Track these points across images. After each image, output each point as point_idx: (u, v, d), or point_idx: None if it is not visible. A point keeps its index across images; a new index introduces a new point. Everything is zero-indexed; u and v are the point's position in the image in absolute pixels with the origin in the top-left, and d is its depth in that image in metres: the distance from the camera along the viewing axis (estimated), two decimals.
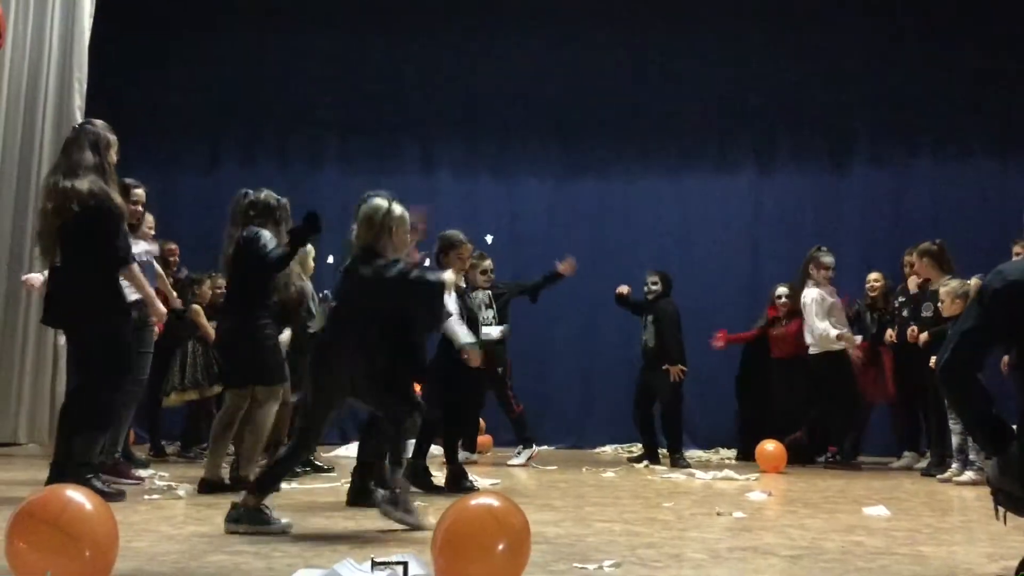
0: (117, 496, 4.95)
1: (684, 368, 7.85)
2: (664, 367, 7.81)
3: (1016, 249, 7.13)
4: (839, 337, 7.60)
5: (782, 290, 8.45)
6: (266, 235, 5.38)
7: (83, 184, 4.83)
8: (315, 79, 9.89)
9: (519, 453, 7.70)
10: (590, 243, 9.61)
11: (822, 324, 7.62)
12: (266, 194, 5.64)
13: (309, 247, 6.63)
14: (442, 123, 9.96)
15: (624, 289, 8.13)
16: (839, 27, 9.64)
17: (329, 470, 6.74)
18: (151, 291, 5.58)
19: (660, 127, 9.78)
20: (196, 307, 7.61)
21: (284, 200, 5.70)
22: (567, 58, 9.83)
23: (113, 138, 5.16)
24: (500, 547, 2.77)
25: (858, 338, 7.93)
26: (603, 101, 9.78)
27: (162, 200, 8.40)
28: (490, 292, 7.64)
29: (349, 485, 5.21)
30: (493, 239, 9.34)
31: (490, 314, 7.60)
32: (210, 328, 7.56)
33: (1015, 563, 3.44)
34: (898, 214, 9.59)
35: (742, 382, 8.62)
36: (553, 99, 9.82)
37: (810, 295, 7.71)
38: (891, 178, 9.73)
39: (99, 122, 5.22)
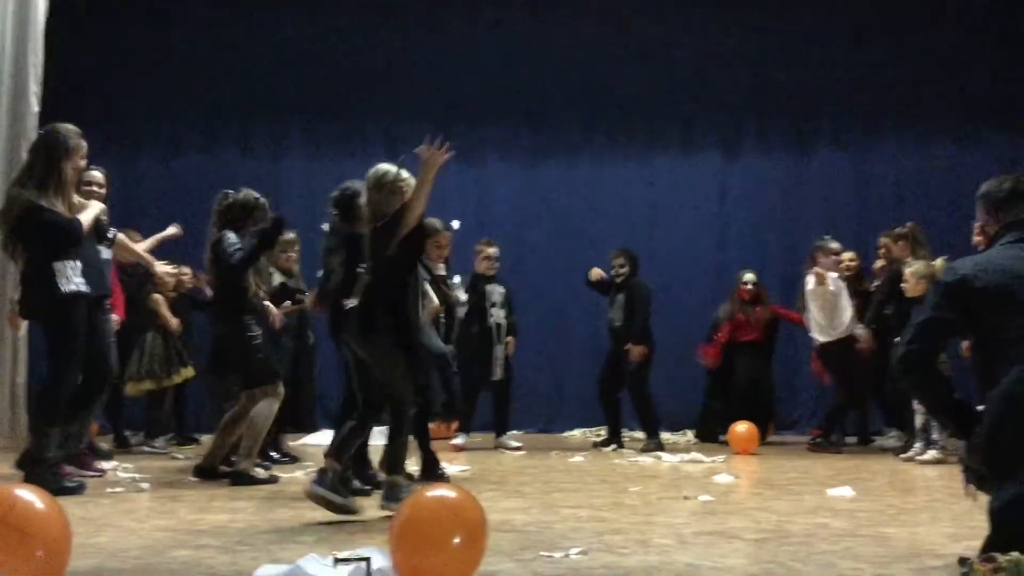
0: (77, 489, 4.90)
1: (646, 350, 7.81)
2: (626, 347, 7.76)
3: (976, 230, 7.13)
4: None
5: (749, 276, 8.49)
6: (230, 237, 5.51)
7: (25, 194, 5.01)
8: (278, 64, 9.72)
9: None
10: (558, 227, 9.58)
11: (848, 313, 7.53)
12: (245, 194, 5.72)
13: (292, 235, 6.75)
14: (408, 107, 9.84)
15: (598, 273, 8.05)
16: (803, 10, 9.63)
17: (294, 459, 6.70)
18: (147, 256, 6.01)
19: (627, 111, 9.73)
20: (157, 296, 7.51)
21: (263, 199, 5.76)
22: (535, 41, 9.74)
23: (74, 144, 5.13)
24: (456, 540, 2.76)
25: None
26: (570, 84, 9.70)
27: (122, 188, 8.28)
28: (504, 291, 7.72)
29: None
30: (460, 224, 9.34)
31: (502, 313, 7.67)
32: (171, 318, 7.50)
33: (978, 543, 3.48)
34: (862, 196, 9.63)
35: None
36: (521, 82, 9.73)
37: (834, 284, 7.56)
38: (855, 161, 9.75)
39: (64, 127, 5.19)
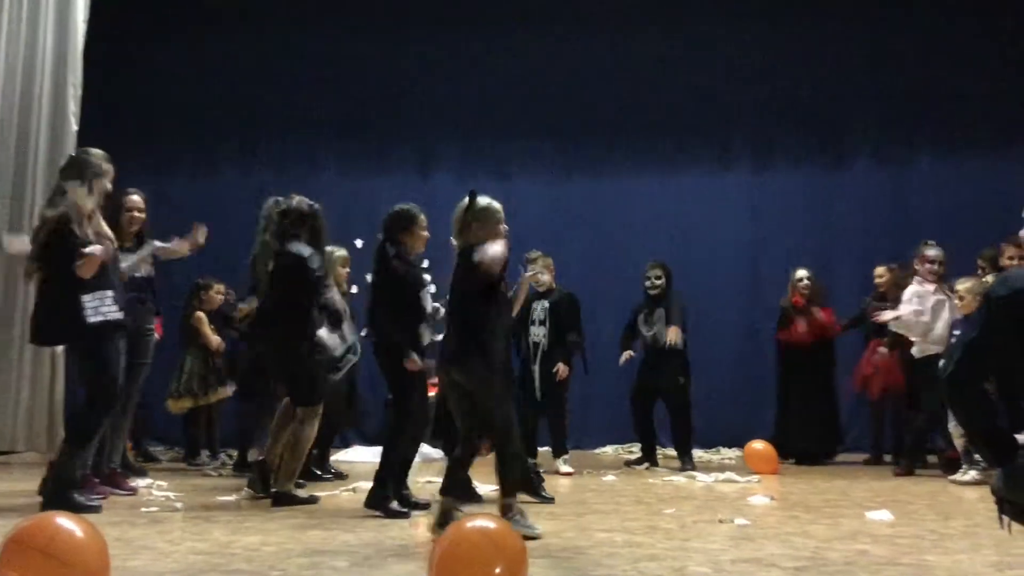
0: (94, 508, 4.92)
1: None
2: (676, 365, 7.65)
3: (1009, 252, 6.97)
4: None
5: (802, 272, 8.27)
6: (315, 258, 5.41)
7: (53, 211, 5.02)
8: (311, 81, 9.84)
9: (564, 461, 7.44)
10: (587, 242, 9.58)
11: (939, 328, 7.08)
12: (298, 201, 5.60)
13: (342, 252, 6.63)
14: (438, 124, 9.90)
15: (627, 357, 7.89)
16: (837, 22, 9.57)
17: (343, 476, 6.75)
18: (161, 245, 5.90)
19: (656, 125, 9.72)
20: (200, 315, 7.59)
21: (317, 205, 5.66)
22: (562, 57, 9.77)
23: (104, 167, 5.20)
24: (497, 571, 2.73)
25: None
26: (599, 100, 9.72)
27: (156, 204, 8.37)
28: (548, 306, 7.39)
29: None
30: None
31: (542, 331, 7.37)
32: (212, 337, 7.56)
33: (1022, 572, 3.41)
34: (898, 212, 9.52)
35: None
36: (549, 98, 9.76)
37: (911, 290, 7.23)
38: (889, 176, 9.66)
39: (94, 151, 5.28)
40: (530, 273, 5.49)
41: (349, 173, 9.90)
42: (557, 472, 7.10)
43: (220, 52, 9.79)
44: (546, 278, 7.24)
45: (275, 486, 5.46)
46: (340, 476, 6.76)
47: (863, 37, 9.55)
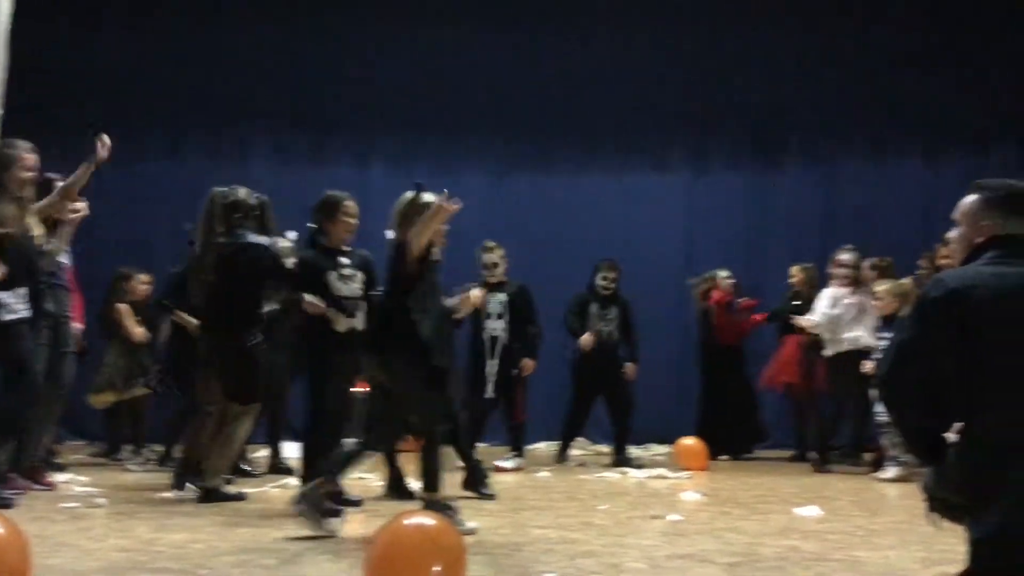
0: (7, 503, 4.75)
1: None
2: (624, 364, 7.71)
3: (942, 253, 7.16)
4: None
5: (724, 272, 8.49)
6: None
7: None
8: (245, 69, 9.61)
9: (509, 458, 7.34)
10: (529, 239, 9.53)
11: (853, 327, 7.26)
12: (245, 192, 5.44)
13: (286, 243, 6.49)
14: (377, 116, 9.78)
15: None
16: (772, 27, 9.70)
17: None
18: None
19: (598, 125, 9.77)
20: (122, 306, 7.36)
21: (265, 198, 5.52)
22: (508, 55, 9.75)
23: (16, 155, 5.02)
24: (435, 569, 2.68)
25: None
26: (543, 98, 9.71)
27: (85, 193, 8.12)
28: (506, 300, 7.19)
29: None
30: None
31: (499, 325, 7.20)
32: (135, 329, 7.34)
33: (950, 568, 3.46)
34: (828, 213, 9.70)
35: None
36: (494, 95, 9.72)
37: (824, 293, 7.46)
38: (821, 177, 9.84)
39: (14, 142, 5.11)
40: (475, 293, 5.44)
41: (283, 164, 9.71)
42: (502, 469, 7.01)
43: (152, 38, 9.52)
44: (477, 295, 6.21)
45: (204, 482, 5.33)
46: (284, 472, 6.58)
47: (797, 41, 9.69)
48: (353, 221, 5.32)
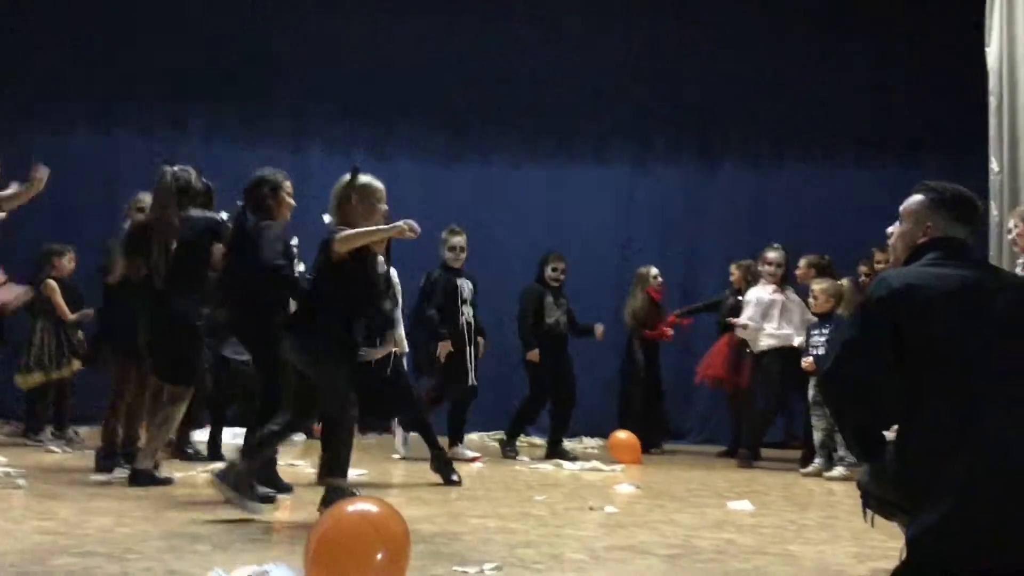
0: None
1: None
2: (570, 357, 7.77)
3: (877, 257, 7.35)
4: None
5: (655, 270, 8.56)
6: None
7: None
8: (181, 43, 9.35)
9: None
10: (468, 229, 9.43)
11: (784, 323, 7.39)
12: (195, 176, 5.35)
13: None
14: (316, 97, 9.62)
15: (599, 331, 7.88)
16: (713, 26, 9.80)
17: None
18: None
19: (541, 117, 9.77)
20: (51, 283, 7.11)
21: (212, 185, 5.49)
22: (449, 41, 9.67)
23: None
24: (379, 556, 2.62)
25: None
26: (486, 89, 9.66)
27: (12, 165, 7.84)
28: (472, 286, 7.17)
29: None
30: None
31: (472, 311, 7.12)
32: (65, 306, 7.11)
33: (882, 564, 3.53)
34: (762, 210, 9.84)
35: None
36: (437, 84, 9.63)
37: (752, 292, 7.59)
38: (755, 176, 9.98)
39: None
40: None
41: (216, 141, 9.49)
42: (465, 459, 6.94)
43: (83, 11, 9.20)
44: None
45: (134, 464, 5.18)
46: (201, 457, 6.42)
47: (736, 41, 9.79)
48: (292, 203, 5.21)
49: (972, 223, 3.09)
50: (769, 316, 7.42)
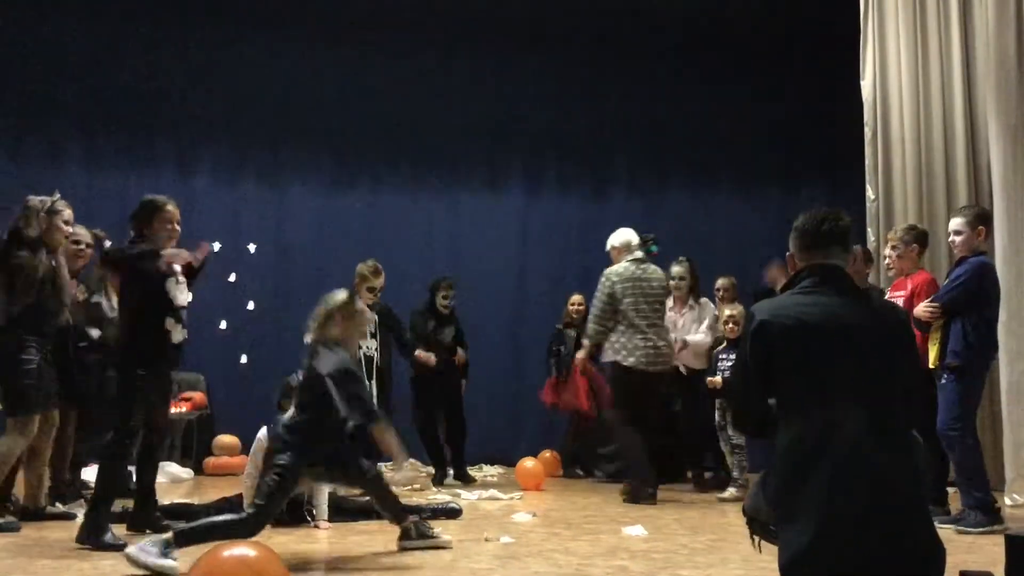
0: None
1: None
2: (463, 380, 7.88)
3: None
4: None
5: (577, 296, 8.62)
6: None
7: None
8: (55, 64, 9.00)
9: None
10: (360, 256, 9.38)
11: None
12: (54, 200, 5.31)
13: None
14: (203, 124, 9.40)
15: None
16: (604, 57, 10.00)
17: None
18: None
19: (435, 145, 9.77)
20: None
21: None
22: (340, 69, 9.61)
23: None
24: None
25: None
26: (380, 117, 9.60)
27: None
28: (376, 320, 7.25)
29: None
30: (256, 248, 9.05)
31: (373, 344, 7.22)
32: None
33: None
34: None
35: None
36: (328, 111, 9.54)
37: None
38: (643, 206, 10.13)
39: None
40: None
41: (97, 168, 9.17)
42: None
43: None
44: None
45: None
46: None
47: (628, 71, 10.00)
48: (176, 228, 5.09)
49: (829, 247, 3.19)
50: (686, 331, 7.55)
